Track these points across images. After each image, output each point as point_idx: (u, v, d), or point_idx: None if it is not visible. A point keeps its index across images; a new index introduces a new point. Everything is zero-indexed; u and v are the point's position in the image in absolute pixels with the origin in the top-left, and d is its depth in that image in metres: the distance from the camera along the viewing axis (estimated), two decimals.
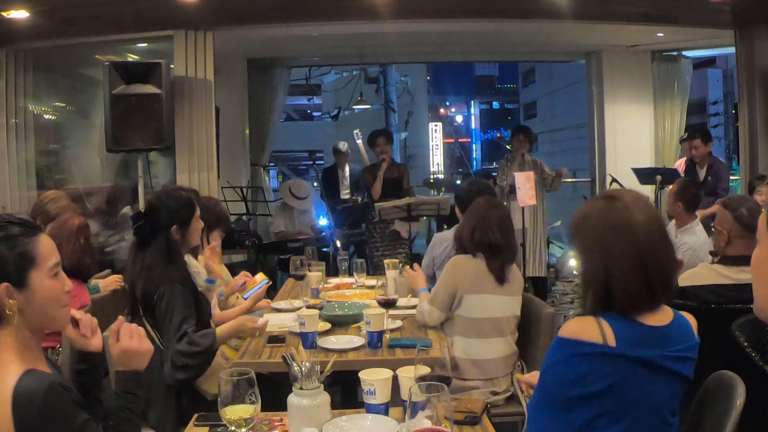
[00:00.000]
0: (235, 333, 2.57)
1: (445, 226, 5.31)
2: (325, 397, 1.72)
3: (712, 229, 3.14)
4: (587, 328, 1.55)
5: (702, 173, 5.62)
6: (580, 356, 1.53)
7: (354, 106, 12.78)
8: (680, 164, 6.60)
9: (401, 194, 5.87)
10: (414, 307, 3.21)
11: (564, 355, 1.56)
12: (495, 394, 2.86)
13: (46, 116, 6.41)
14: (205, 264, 3.09)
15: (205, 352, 2.41)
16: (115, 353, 1.57)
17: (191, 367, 2.39)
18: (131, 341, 1.57)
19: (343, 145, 7.08)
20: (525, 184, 5.00)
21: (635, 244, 1.57)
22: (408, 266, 3.54)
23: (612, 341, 1.53)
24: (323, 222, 6.90)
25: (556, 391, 1.58)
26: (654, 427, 1.58)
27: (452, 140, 27.73)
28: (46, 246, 1.47)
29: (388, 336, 2.63)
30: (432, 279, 3.89)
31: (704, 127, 6.57)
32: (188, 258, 2.96)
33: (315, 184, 7.03)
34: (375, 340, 2.55)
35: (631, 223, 1.58)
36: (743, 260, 2.87)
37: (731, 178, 7.47)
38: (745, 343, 2.42)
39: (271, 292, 3.77)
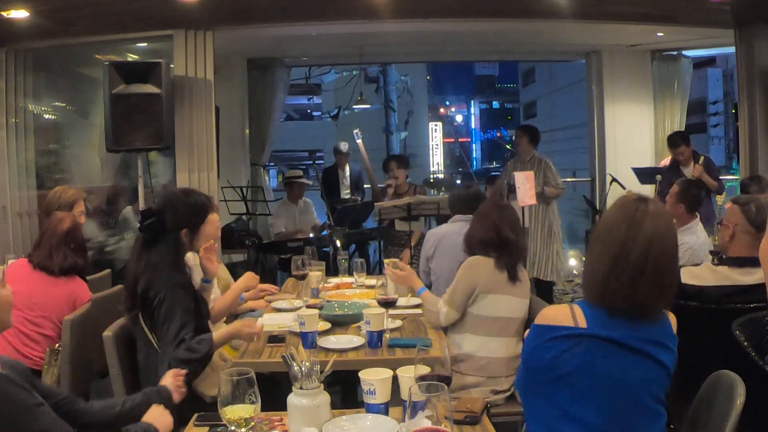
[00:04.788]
0: (231, 338, 2.58)
1: None
2: (325, 397, 1.72)
3: (717, 227, 3.14)
4: (559, 314, 1.64)
5: (689, 171, 5.63)
6: (554, 340, 1.61)
7: (354, 106, 12.78)
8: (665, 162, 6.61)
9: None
10: (414, 306, 3.22)
11: (540, 340, 1.64)
12: (495, 393, 2.86)
13: (46, 116, 6.41)
14: (201, 263, 2.97)
15: (203, 358, 2.41)
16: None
17: (194, 373, 2.38)
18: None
19: (344, 146, 7.08)
20: (525, 183, 4.99)
21: (640, 247, 1.61)
22: (391, 263, 3.41)
23: (583, 323, 1.61)
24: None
25: (536, 376, 1.64)
26: (629, 412, 1.60)
27: (452, 140, 27.77)
28: None
29: (388, 336, 2.63)
30: (427, 274, 3.90)
31: (682, 130, 6.60)
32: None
33: (308, 181, 7.00)
34: (375, 339, 2.55)
35: (642, 228, 1.62)
36: (747, 262, 2.87)
37: (731, 177, 7.49)
38: (745, 343, 2.42)
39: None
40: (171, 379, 2.06)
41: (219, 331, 2.56)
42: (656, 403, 1.64)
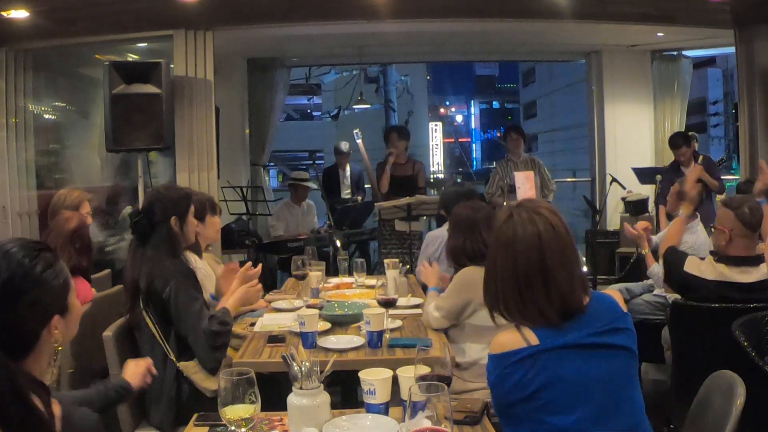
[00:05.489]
0: (240, 303, 2.71)
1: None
2: (325, 397, 1.72)
3: (712, 229, 3.14)
4: (510, 339, 1.63)
5: (689, 171, 5.63)
6: (512, 365, 1.60)
7: (354, 106, 12.79)
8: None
9: (414, 193, 5.80)
10: (414, 306, 3.22)
11: (499, 370, 1.63)
12: None
13: (46, 116, 6.40)
14: (218, 283, 3.08)
15: (231, 327, 2.59)
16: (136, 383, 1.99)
17: (226, 344, 2.55)
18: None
19: (344, 146, 7.08)
20: (525, 183, 5.00)
21: (513, 261, 1.64)
22: (392, 264, 3.44)
23: (534, 340, 1.60)
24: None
25: (506, 401, 1.63)
26: (608, 406, 1.59)
27: (452, 140, 27.76)
28: (67, 269, 1.43)
29: (388, 336, 2.63)
30: None
31: (686, 132, 6.59)
32: (188, 254, 2.97)
33: (314, 185, 7.00)
34: (375, 339, 2.55)
35: (514, 241, 1.65)
36: (745, 260, 2.88)
37: (731, 177, 7.48)
38: (745, 343, 2.42)
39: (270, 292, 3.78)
40: (134, 368, 2.03)
41: (228, 302, 2.67)
42: (631, 389, 1.64)
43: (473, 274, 2.82)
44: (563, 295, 1.61)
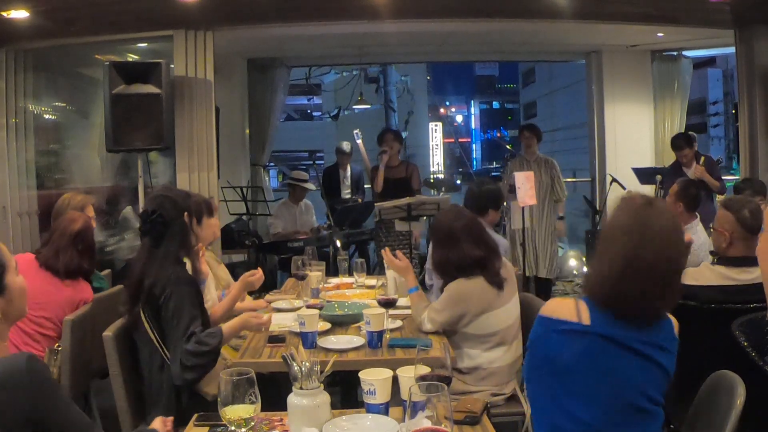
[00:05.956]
0: (240, 329, 2.59)
1: None
2: (325, 397, 1.72)
3: (711, 230, 3.14)
4: (564, 307, 1.63)
5: (691, 172, 5.63)
6: (556, 333, 1.60)
7: (354, 106, 12.79)
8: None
9: (409, 194, 5.80)
10: None
11: (541, 331, 1.63)
12: (495, 395, 2.85)
13: (46, 116, 6.40)
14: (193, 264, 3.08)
15: (214, 350, 2.42)
16: None
17: (201, 366, 2.40)
18: None
19: (346, 146, 7.08)
20: (525, 183, 4.99)
21: (639, 249, 1.60)
22: (386, 250, 3.32)
23: (586, 320, 1.60)
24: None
25: (537, 366, 1.64)
26: (623, 412, 1.60)
27: (452, 140, 27.76)
28: (5, 248, 1.50)
29: (388, 336, 2.63)
30: (432, 272, 3.87)
31: (686, 132, 6.54)
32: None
33: (312, 186, 7.00)
34: (375, 339, 2.55)
35: (650, 228, 1.62)
36: (744, 261, 2.87)
37: (731, 177, 7.48)
38: (745, 343, 2.42)
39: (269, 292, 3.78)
40: (160, 425, 1.95)
41: (228, 323, 2.59)
42: (652, 404, 1.64)
43: (465, 287, 2.81)
44: (663, 299, 1.61)
